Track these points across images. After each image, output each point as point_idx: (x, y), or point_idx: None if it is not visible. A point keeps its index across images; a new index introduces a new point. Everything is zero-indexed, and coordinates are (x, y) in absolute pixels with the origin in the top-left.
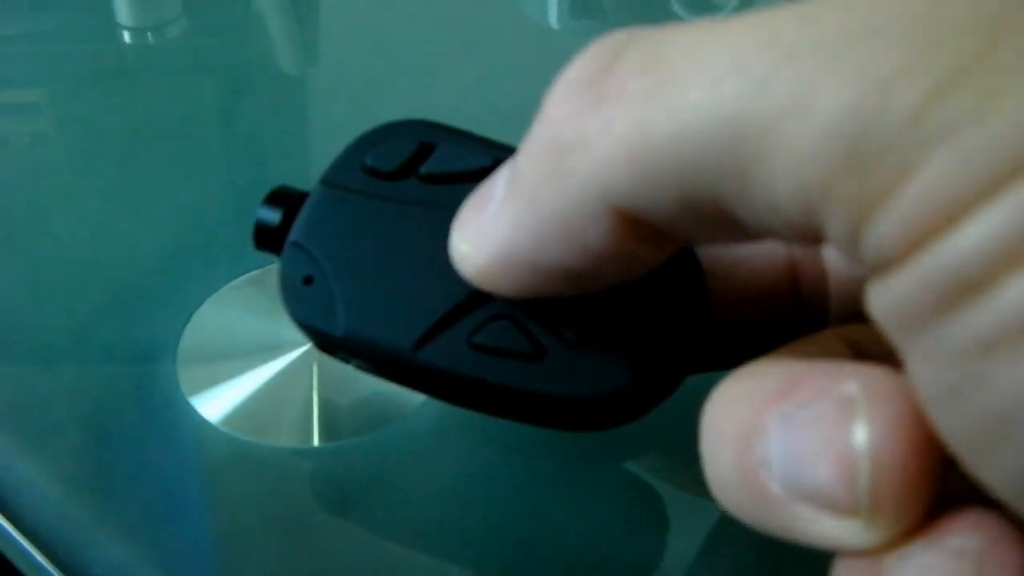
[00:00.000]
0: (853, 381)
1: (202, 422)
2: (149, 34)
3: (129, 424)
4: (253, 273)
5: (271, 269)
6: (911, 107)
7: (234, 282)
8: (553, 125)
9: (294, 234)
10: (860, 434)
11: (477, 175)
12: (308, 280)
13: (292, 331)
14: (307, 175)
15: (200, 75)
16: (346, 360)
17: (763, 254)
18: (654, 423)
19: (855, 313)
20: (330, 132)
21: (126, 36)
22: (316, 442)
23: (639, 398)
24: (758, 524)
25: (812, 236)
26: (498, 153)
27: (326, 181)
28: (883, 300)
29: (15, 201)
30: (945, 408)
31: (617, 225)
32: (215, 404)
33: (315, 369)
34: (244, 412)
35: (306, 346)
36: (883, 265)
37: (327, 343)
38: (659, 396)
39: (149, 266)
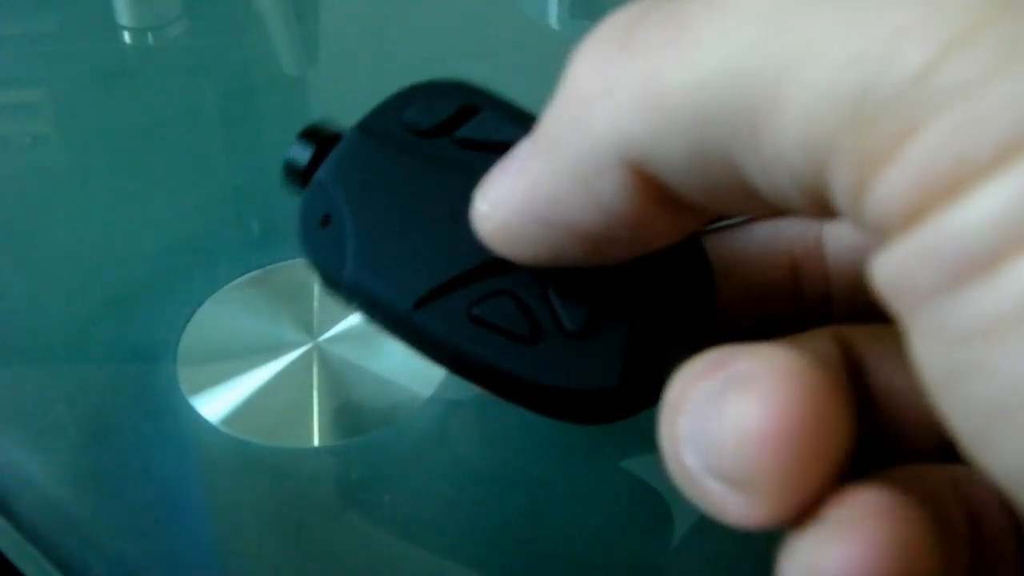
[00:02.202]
0: (745, 360)
1: (202, 422)
2: (149, 34)
3: (129, 424)
4: (253, 273)
5: (271, 269)
6: (920, 62)
7: (234, 282)
8: (575, 81)
9: (321, 172)
10: (734, 410)
11: (511, 148)
12: (326, 220)
13: (292, 331)
14: None
15: (200, 75)
16: (347, 303)
17: (766, 252)
18: (655, 422)
19: (855, 314)
20: None
21: (126, 36)
22: (316, 442)
23: (625, 399)
24: (688, 498)
25: (819, 201)
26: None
27: (362, 127)
28: (884, 270)
29: (15, 201)
30: (945, 391)
31: (631, 182)
32: (215, 404)
33: (315, 369)
34: (244, 412)
35: (306, 346)
36: (886, 232)
37: (331, 284)
38: (650, 399)
39: (149, 266)
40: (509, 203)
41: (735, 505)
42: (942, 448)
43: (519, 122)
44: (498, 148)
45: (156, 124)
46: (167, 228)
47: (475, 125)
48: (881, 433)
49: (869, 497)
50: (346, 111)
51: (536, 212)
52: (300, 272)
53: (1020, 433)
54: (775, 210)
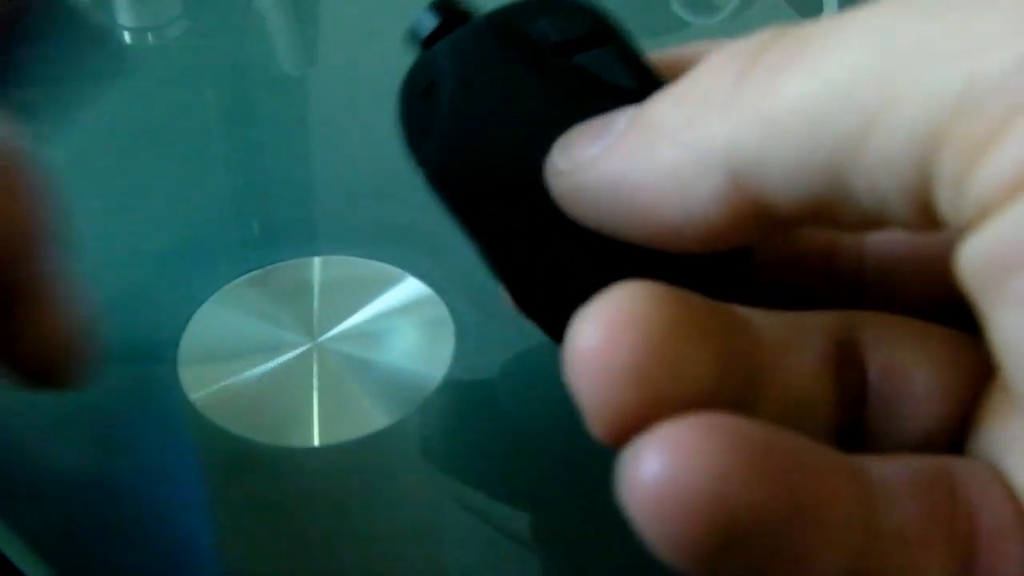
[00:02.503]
0: (613, 291)
1: (203, 421)
2: (149, 34)
3: (130, 423)
4: (253, 273)
5: (271, 269)
6: (1019, 51)
7: (234, 282)
8: (698, 83)
9: (440, 45)
10: (573, 332)
11: (621, 95)
12: (428, 90)
13: (292, 331)
14: (307, 175)
15: (200, 75)
16: (420, 175)
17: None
18: None
19: (883, 303)
20: (330, 132)
21: (126, 36)
22: (316, 442)
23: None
24: None
25: (920, 202)
26: (654, 88)
27: (491, 18)
28: (976, 250)
29: None
30: None
31: (728, 191)
32: (216, 403)
33: (315, 369)
34: (244, 412)
35: (306, 346)
36: (984, 214)
37: (411, 151)
38: None
39: (149, 266)
40: (591, 172)
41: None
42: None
43: (638, 72)
44: (608, 90)
45: (156, 124)
46: (167, 228)
47: (596, 57)
48: (874, 420)
49: (703, 416)
50: (346, 111)
51: (619, 190)
52: (300, 272)
53: None
54: (867, 222)
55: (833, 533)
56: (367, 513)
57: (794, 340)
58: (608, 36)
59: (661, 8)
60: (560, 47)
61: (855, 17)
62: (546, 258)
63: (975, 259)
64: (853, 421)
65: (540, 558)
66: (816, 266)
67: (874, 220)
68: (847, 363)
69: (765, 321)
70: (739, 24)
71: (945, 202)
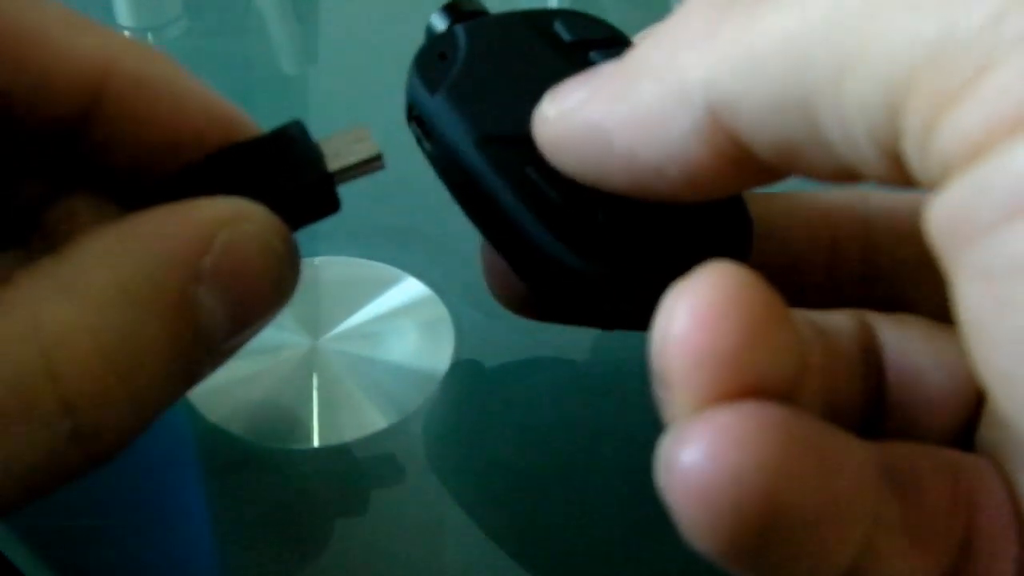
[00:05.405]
0: (697, 273)
1: (202, 422)
2: (149, 34)
3: None
4: None
5: None
6: (994, 8)
7: None
8: (680, 22)
9: (464, 25)
10: (663, 315)
11: None
12: (442, 55)
13: (292, 331)
14: None
15: (200, 75)
16: (418, 132)
17: (806, 222)
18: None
19: (889, 305)
20: (330, 132)
21: (126, 36)
22: (316, 442)
23: (605, 293)
24: None
25: (891, 153)
26: None
27: (510, 13)
28: (941, 210)
29: None
30: (985, 331)
31: (708, 128)
32: (215, 404)
33: (315, 369)
34: (244, 412)
35: (306, 346)
36: (948, 172)
37: (415, 106)
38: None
39: None
40: (578, 115)
41: (663, 405)
42: (951, 439)
43: None
44: None
45: None
46: None
47: (610, 55)
48: (891, 419)
49: (749, 404)
50: (346, 111)
51: (602, 132)
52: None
53: None
54: (843, 172)
55: (849, 528)
56: (367, 513)
57: (821, 339)
58: (624, 43)
59: (661, 8)
60: (576, 44)
61: None
62: (539, 220)
63: (938, 223)
64: (872, 419)
65: (540, 558)
66: (819, 266)
67: (849, 171)
68: (869, 364)
69: (794, 317)
70: None
71: (912, 156)
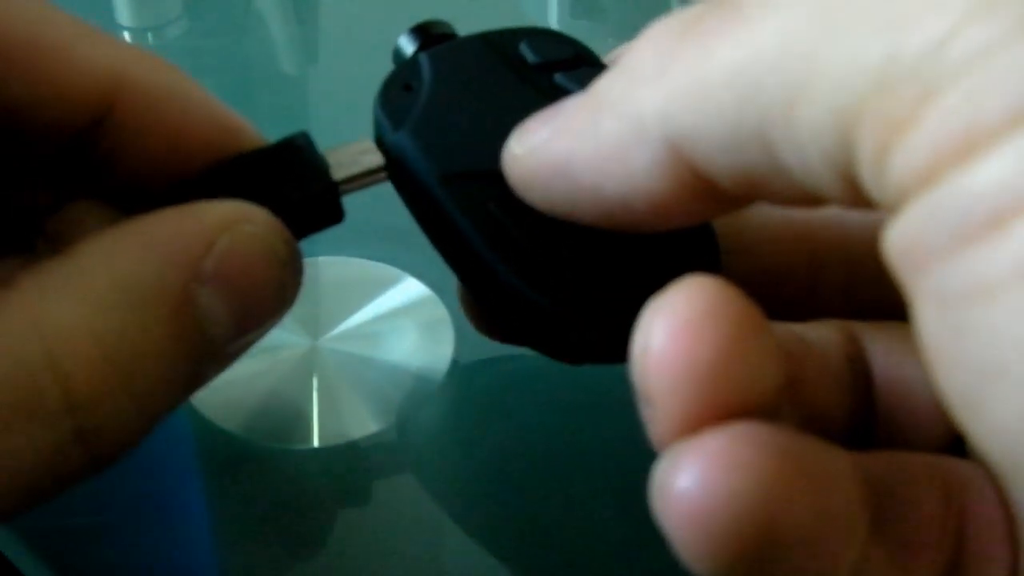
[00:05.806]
0: (675, 288)
1: (202, 421)
2: (149, 34)
3: None
4: None
5: None
6: (940, 29)
7: None
8: (635, 57)
9: (428, 52)
10: (642, 331)
11: None
12: (407, 87)
13: (292, 331)
14: None
15: (200, 75)
16: (384, 166)
17: (782, 237)
18: None
19: (875, 314)
20: (330, 132)
21: (126, 36)
22: (316, 442)
23: (571, 327)
24: None
25: (847, 177)
26: None
27: (474, 36)
28: (897, 235)
29: None
30: (945, 352)
31: (668, 160)
32: (215, 404)
33: (315, 369)
34: (244, 412)
35: (306, 346)
36: (902, 198)
37: (379, 139)
38: (616, 350)
39: None
40: (544, 152)
41: (648, 423)
42: (942, 447)
43: None
44: None
45: None
46: None
47: (575, 77)
48: (882, 428)
49: (740, 425)
50: (346, 111)
51: (568, 168)
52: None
53: (1014, 392)
54: (806, 197)
55: (844, 542)
56: (367, 513)
57: (807, 350)
58: (589, 62)
59: (662, 8)
60: (541, 67)
61: None
62: (502, 258)
63: (894, 249)
64: (861, 429)
65: (539, 558)
66: (800, 279)
67: (812, 196)
68: (857, 374)
69: (777, 331)
70: None
71: (868, 181)
